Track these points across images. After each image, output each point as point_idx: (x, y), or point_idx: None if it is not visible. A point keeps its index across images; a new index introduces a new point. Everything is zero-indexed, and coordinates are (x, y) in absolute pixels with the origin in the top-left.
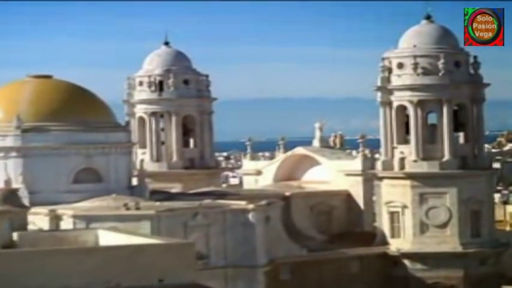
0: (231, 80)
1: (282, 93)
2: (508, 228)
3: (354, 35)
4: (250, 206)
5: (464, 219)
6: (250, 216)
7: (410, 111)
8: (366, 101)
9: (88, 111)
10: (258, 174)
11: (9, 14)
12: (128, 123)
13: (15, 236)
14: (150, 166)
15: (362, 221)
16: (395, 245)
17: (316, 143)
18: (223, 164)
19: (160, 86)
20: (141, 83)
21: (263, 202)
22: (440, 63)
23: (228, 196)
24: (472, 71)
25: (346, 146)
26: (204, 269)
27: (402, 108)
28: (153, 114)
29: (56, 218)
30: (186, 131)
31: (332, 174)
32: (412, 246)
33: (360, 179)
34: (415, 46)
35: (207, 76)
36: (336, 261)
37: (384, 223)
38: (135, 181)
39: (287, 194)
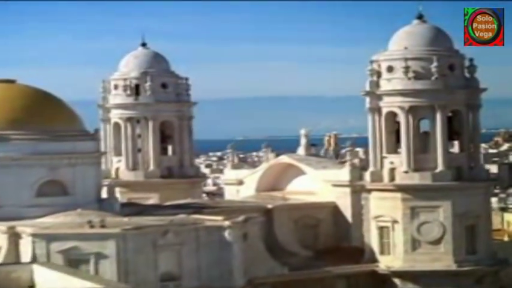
0: (230, 79)
1: (279, 92)
2: (506, 239)
3: (354, 33)
4: (226, 223)
5: (459, 235)
6: (226, 233)
7: (401, 118)
8: (364, 99)
9: (53, 118)
10: (240, 184)
11: None
12: (96, 131)
13: None
14: (126, 175)
15: (350, 236)
16: (385, 263)
17: (301, 150)
18: (214, 166)
19: (136, 90)
20: (116, 87)
21: (240, 218)
22: (433, 67)
23: (205, 209)
24: (467, 75)
25: (341, 145)
26: None
27: (392, 115)
28: (128, 119)
29: (14, 236)
30: (164, 138)
31: (318, 185)
32: (402, 264)
33: (347, 190)
34: (406, 48)
35: (186, 79)
36: (320, 281)
37: (372, 239)
38: (105, 193)
39: (269, 206)
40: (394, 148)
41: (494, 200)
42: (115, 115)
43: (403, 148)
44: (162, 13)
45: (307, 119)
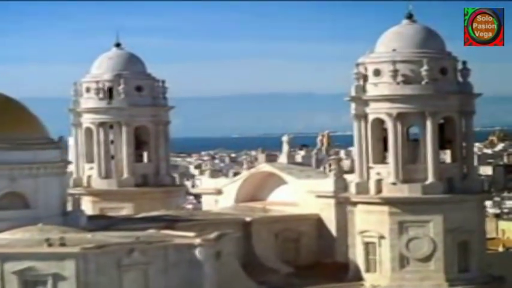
0: (229, 77)
1: (272, 89)
2: (501, 249)
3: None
4: (197, 241)
5: (450, 252)
6: (197, 252)
7: (389, 125)
8: None
9: (14, 125)
10: (218, 193)
11: None
12: (61, 138)
13: None
14: (98, 183)
15: (334, 251)
16: (371, 281)
17: (283, 158)
18: (203, 166)
19: (109, 93)
20: (88, 90)
21: (213, 235)
22: (424, 70)
23: (179, 223)
24: (460, 79)
25: (335, 143)
26: None
27: (379, 122)
28: (101, 124)
29: None
30: (139, 144)
31: (300, 196)
32: (390, 283)
33: (332, 201)
34: (394, 50)
35: (163, 82)
36: None
37: (358, 255)
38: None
39: (248, 219)
40: (381, 158)
41: (488, 203)
42: (87, 120)
43: (391, 158)
44: (157, 11)
45: (302, 117)
